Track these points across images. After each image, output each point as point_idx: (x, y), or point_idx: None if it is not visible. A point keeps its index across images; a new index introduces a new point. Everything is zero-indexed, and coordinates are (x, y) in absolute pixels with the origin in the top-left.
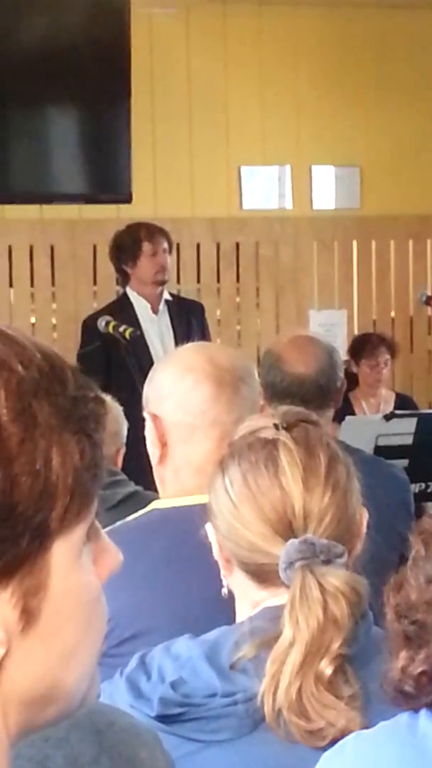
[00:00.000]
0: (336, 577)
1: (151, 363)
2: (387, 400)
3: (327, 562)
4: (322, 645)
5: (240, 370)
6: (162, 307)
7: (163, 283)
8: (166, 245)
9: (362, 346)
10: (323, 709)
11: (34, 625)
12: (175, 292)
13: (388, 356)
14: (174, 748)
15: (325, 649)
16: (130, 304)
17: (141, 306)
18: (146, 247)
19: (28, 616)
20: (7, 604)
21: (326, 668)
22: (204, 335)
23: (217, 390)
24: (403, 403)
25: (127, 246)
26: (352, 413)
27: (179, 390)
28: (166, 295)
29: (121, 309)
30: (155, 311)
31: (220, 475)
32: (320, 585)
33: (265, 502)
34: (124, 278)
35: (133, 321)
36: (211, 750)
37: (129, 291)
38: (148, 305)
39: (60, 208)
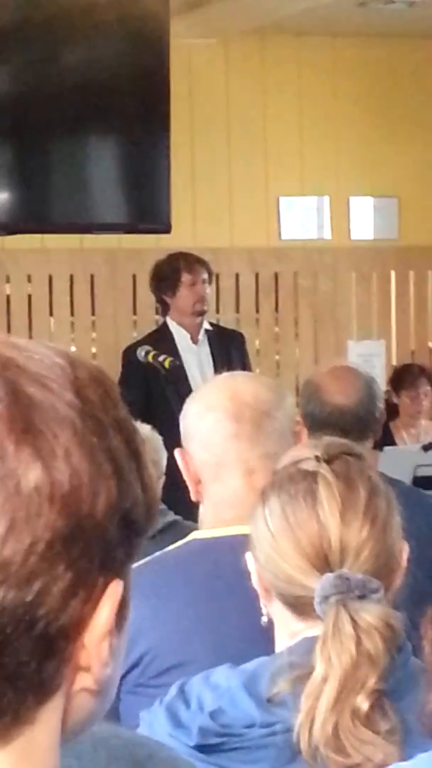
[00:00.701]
0: (369, 613)
1: (190, 393)
2: (427, 431)
3: (362, 597)
4: (357, 681)
5: (265, 403)
6: (202, 337)
7: (202, 313)
8: (205, 275)
9: (403, 377)
10: (361, 745)
11: (120, 631)
12: (214, 321)
13: (428, 387)
14: None
15: (361, 685)
16: (170, 334)
17: (181, 336)
18: (185, 277)
19: (121, 619)
20: (113, 609)
21: (363, 703)
22: (244, 365)
23: (237, 428)
24: None
25: (167, 276)
26: (393, 443)
27: (201, 430)
28: (206, 325)
29: (161, 339)
30: (195, 341)
31: (260, 505)
32: (353, 621)
33: (303, 535)
34: (164, 308)
35: (173, 351)
36: None
37: (169, 321)
38: (188, 335)
39: (100, 238)
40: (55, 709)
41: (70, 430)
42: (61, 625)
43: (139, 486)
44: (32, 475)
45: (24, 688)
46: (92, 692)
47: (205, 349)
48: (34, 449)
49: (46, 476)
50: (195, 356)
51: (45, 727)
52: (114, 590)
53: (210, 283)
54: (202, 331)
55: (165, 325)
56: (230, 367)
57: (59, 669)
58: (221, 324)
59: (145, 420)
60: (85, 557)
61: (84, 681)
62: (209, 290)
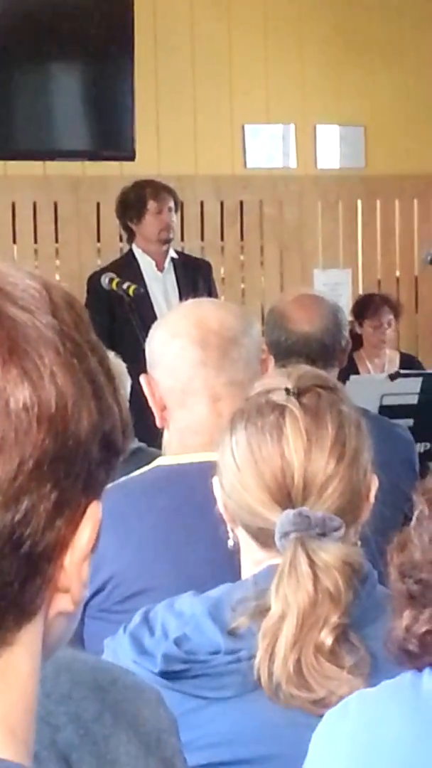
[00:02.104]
0: (328, 552)
1: (155, 320)
2: (392, 360)
3: (322, 535)
4: (318, 618)
5: (231, 330)
6: (167, 264)
7: (168, 241)
8: (171, 204)
9: (365, 306)
10: (325, 680)
11: (94, 550)
12: (179, 249)
13: (391, 317)
14: (177, 705)
15: (324, 622)
16: (136, 262)
17: (146, 263)
18: (151, 205)
19: (96, 542)
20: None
21: (326, 638)
22: (211, 294)
23: (203, 355)
24: (408, 362)
25: (133, 203)
26: (357, 373)
27: (167, 356)
28: (172, 253)
29: (127, 266)
30: (160, 269)
31: (228, 434)
32: (310, 559)
33: (266, 469)
34: (129, 235)
35: (138, 278)
36: (214, 707)
37: (135, 248)
38: (153, 263)
39: (63, 165)
40: (35, 632)
41: (53, 351)
42: (46, 545)
43: (116, 407)
44: (20, 394)
45: (5, 609)
46: (68, 615)
47: (170, 277)
48: (21, 369)
49: (34, 396)
50: (160, 284)
51: (24, 650)
52: (94, 511)
53: (176, 211)
54: (167, 259)
55: (130, 253)
56: (196, 296)
57: (41, 590)
58: (186, 252)
59: (110, 347)
60: (70, 477)
61: (62, 603)
62: (175, 218)
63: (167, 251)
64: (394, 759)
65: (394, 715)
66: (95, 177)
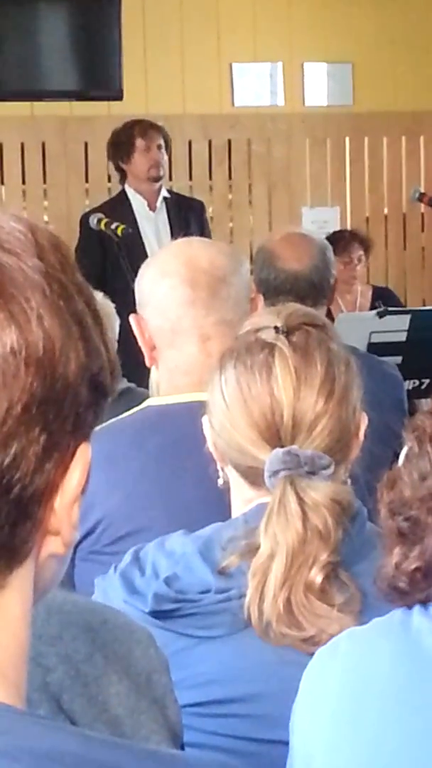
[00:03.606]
0: (317, 490)
1: (145, 260)
2: (364, 294)
3: (311, 473)
4: (308, 556)
5: (220, 269)
6: (159, 204)
7: (158, 179)
8: (160, 141)
9: (335, 243)
10: (316, 619)
11: (84, 492)
12: (167, 188)
13: (361, 252)
14: (168, 644)
15: (313, 560)
16: (128, 201)
17: (138, 203)
18: (139, 143)
19: (86, 484)
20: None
21: (316, 576)
22: (203, 233)
23: (192, 294)
24: (381, 295)
25: (122, 143)
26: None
27: (156, 295)
28: (165, 193)
29: (119, 206)
30: (152, 208)
31: (217, 372)
32: (299, 498)
33: (255, 407)
34: (121, 175)
35: (130, 218)
36: (204, 646)
37: (127, 188)
38: (145, 202)
39: (51, 105)
40: (26, 575)
41: (40, 293)
42: (36, 488)
43: (103, 348)
44: (7, 338)
45: None
46: (58, 557)
47: (162, 217)
48: (8, 313)
49: (21, 339)
50: (152, 224)
51: (16, 593)
52: (84, 453)
53: (167, 149)
54: (159, 199)
55: (123, 193)
56: (187, 235)
57: (31, 533)
58: (175, 191)
59: (100, 287)
60: (59, 420)
61: (52, 546)
62: (165, 156)
63: (159, 190)
64: (384, 696)
65: (384, 653)
66: (83, 117)
